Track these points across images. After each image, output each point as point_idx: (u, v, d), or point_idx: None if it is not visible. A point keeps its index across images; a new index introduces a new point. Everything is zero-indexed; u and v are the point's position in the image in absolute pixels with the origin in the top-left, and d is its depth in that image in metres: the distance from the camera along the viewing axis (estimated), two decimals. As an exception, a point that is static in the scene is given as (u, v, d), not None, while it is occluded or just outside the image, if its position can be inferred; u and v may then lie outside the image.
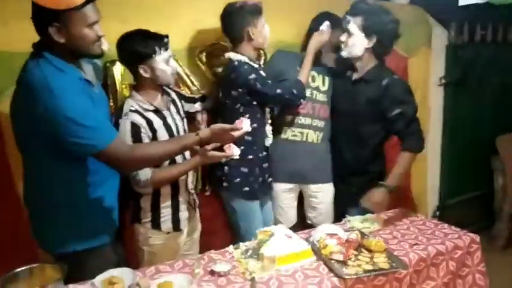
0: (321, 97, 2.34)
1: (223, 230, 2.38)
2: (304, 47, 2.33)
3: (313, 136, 2.32)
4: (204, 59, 2.29)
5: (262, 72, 2.10)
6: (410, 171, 3.24)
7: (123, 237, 1.97)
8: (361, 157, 2.25)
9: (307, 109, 2.30)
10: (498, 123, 3.66)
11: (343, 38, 2.17)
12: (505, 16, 3.44)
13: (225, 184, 2.16)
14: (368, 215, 2.10)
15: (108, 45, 1.69)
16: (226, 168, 2.14)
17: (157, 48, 1.77)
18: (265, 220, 2.24)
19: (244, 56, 2.09)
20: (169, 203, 1.92)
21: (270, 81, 2.07)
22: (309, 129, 2.31)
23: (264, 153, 2.21)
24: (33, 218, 1.67)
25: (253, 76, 2.02)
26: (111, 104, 2.00)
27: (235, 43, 2.13)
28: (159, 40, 1.78)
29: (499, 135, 3.52)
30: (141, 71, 1.79)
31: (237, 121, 1.80)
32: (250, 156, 2.13)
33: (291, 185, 2.39)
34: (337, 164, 2.34)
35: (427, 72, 3.21)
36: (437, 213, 3.50)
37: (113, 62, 2.00)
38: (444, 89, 3.35)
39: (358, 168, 2.27)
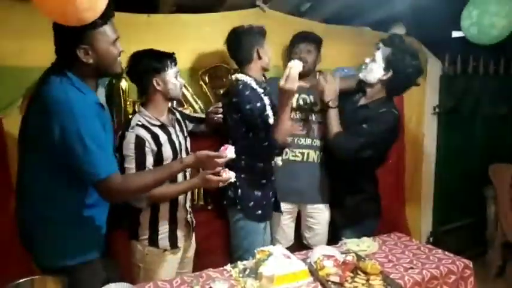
0: (317, 117, 2.41)
1: (218, 249, 2.39)
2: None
3: (314, 156, 2.38)
4: (206, 80, 2.36)
5: (264, 100, 2.11)
6: (404, 198, 3.31)
7: (117, 254, 1.98)
8: (355, 178, 2.29)
9: (306, 130, 2.35)
10: (490, 152, 3.74)
11: (367, 60, 2.22)
12: (496, 49, 3.57)
13: (239, 207, 2.18)
14: (364, 238, 2.13)
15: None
16: (240, 191, 2.16)
17: (169, 63, 1.91)
18: (264, 240, 2.26)
19: (252, 77, 2.14)
20: (167, 220, 1.95)
21: (267, 113, 2.06)
22: (309, 149, 2.37)
23: (274, 177, 2.25)
24: (23, 231, 1.68)
25: (249, 106, 2.05)
26: (115, 119, 2.07)
27: (243, 64, 2.18)
28: (169, 56, 1.93)
29: (491, 164, 3.58)
30: (155, 84, 1.90)
31: (221, 148, 1.84)
32: (264, 181, 2.18)
33: (290, 205, 2.42)
34: (333, 184, 2.38)
35: (422, 101, 3.30)
36: (431, 239, 3.52)
37: (118, 79, 2.07)
38: (438, 117, 3.44)
39: (352, 189, 2.30)
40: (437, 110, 3.40)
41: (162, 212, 1.94)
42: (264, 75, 2.29)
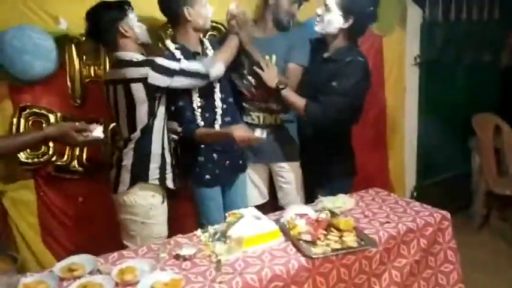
0: None
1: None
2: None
3: (270, 119, 2.27)
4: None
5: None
6: (387, 152, 3.25)
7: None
8: (326, 137, 2.20)
9: (259, 94, 2.23)
10: (474, 102, 3.66)
11: (319, 11, 2.08)
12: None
13: (189, 174, 2.12)
14: (340, 195, 2.07)
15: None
16: (188, 158, 2.10)
17: (126, 7, 1.86)
18: (233, 202, 2.19)
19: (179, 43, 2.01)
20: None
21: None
22: (264, 113, 2.26)
23: None
24: None
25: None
26: (69, 83, 2.00)
27: (172, 26, 2.06)
28: (122, 1, 1.87)
29: (475, 114, 3.51)
30: (122, 31, 1.84)
31: (90, 125, 1.67)
32: (202, 145, 2.08)
33: (257, 164, 2.35)
34: (307, 144, 2.29)
35: (402, 52, 3.18)
36: (415, 194, 3.50)
37: (71, 40, 2.01)
38: (419, 68, 3.32)
39: (323, 149, 2.21)
40: (418, 60, 3.28)
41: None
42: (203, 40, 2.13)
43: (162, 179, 1.92)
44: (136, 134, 1.87)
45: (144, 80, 1.79)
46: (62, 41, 2.01)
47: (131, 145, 1.88)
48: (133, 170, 1.88)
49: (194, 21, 1.97)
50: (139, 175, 1.88)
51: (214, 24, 2.24)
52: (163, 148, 1.94)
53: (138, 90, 1.80)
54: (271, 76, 2.11)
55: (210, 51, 2.09)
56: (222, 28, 2.30)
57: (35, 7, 1.96)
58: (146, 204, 1.90)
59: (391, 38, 3.04)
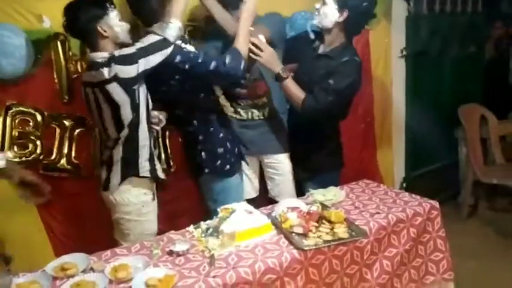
0: (253, 75, 2.24)
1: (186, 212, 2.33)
2: None
3: (259, 114, 2.27)
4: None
5: None
6: (376, 144, 3.28)
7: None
8: (314, 131, 2.21)
9: (244, 93, 2.24)
10: (460, 93, 3.71)
11: (317, 5, 2.09)
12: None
13: (206, 170, 2.07)
14: (330, 187, 2.09)
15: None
16: (204, 154, 2.04)
17: (108, 5, 1.77)
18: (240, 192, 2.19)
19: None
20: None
21: None
22: (252, 109, 2.27)
23: (227, 122, 2.14)
24: None
25: None
26: (56, 80, 1.98)
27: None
28: None
29: (461, 105, 3.56)
30: (101, 31, 1.75)
31: None
32: (221, 135, 2.06)
33: (247, 156, 2.36)
34: (298, 137, 2.30)
35: (388, 44, 3.19)
36: (404, 185, 3.54)
37: (56, 37, 1.97)
38: (405, 60, 3.34)
39: (311, 142, 2.23)
40: (404, 52, 3.30)
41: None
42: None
43: (153, 170, 1.89)
44: (125, 132, 1.82)
45: (115, 78, 1.72)
46: (47, 39, 1.98)
47: (120, 142, 1.85)
48: (123, 164, 1.85)
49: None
50: (130, 169, 1.85)
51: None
52: (149, 139, 1.90)
53: (115, 90, 1.74)
54: (271, 59, 2.05)
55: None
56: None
57: (17, 6, 1.93)
58: (138, 202, 1.88)
59: (377, 31, 3.05)
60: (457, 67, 3.71)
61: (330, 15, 2.05)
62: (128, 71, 1.74)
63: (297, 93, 2.09)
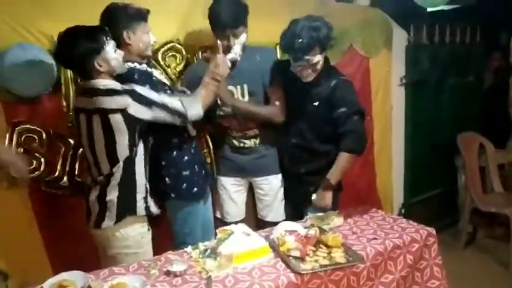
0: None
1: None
2: None
3: (250, 143, 2.30)
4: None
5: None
6: (375, 170, 3.30)
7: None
8: (316, 157, 2.24)
9: (235, 124, 2.27)
10: (458, 121, 3.76)
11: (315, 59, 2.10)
12: (462, 18, 3.56)
13: (173, 195, 2.04)
14: (329, 212, 2.11)
15: None
16: (167, 179, 2.02)
17: (104, 39, 1.70)
18: (207, 219, 2.20)
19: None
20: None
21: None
22: (244, 139, 2.30)
23: (193, 145, 2.10)
24: None
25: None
26: (64, 103, 2.00)
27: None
28: (102, 30, 1.72)
29: (460, 133, 3.59)
30: (97, 66, 1.69)
31: None
32: (186, 158, 2.04)
33: (238, 178, 2.38)
34: (293, 163, 2.32)
35: (388, 73, 3.26)
36: (403, 211, 3.55)
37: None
38: (405, 88, 3.41)
39: (313, 168, 2.25)
40: (404, 80, 3.37)
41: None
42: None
43: (147, 207, 1.84)
44: (119, 168, 1.74)
45: (123, 111, 1.67)
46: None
47: (115, 180, 1.75)
48: (119, 204, 1.77)
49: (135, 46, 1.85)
50: (127, 209, 1.79)
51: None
52: (146, 177, 1.85)
53: (117, 121, 1.67)
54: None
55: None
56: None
57: (28, 25, 1.95)
58: (137, 234, 1.81)
59: (378, 60, 3.13)
60: (455, 95, 3.78)
61: (321, 61, 2.12)
62: (141, 112, 1.71)
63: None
